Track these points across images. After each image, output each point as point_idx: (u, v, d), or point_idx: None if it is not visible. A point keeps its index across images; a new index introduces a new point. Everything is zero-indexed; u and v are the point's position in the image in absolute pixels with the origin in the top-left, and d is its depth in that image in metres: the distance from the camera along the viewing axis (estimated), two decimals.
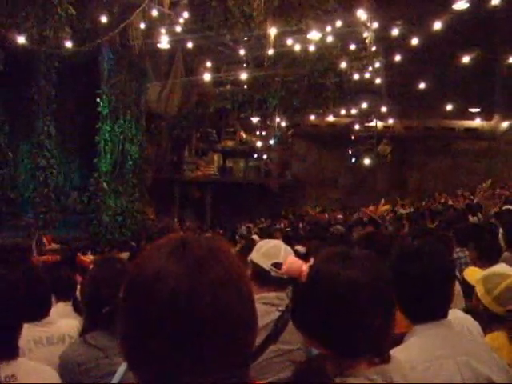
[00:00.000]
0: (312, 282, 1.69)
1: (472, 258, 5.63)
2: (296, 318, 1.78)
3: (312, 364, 1.82)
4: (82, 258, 5.46)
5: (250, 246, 5.41)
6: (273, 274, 3.13)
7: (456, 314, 2.81)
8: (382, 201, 13.35)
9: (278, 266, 3.14)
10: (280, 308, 3.09)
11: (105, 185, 21.29)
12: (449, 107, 25.63)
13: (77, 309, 4.42)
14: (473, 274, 3.45)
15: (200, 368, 1.09)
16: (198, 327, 1.08)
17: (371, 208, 13.19)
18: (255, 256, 3.25)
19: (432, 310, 2.27)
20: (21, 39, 14.17)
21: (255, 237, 12.19)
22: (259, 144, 27.22)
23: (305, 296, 1.71)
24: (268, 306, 3.06)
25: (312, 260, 1.76)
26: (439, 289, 2.30)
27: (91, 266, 3.62)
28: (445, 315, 2.29)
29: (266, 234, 11.67)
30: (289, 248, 3.40)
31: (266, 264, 3.16)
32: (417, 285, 2.26)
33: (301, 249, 8.01)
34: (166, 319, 1.08)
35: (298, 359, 3.03)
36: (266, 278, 3.09)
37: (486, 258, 5.19)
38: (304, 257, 4.01)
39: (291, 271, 1.75)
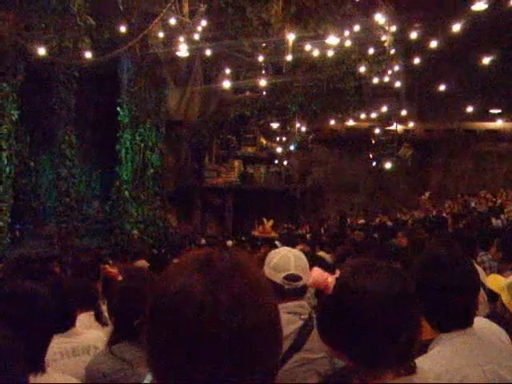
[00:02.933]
0: (338, 295, 1.69)
1: (496, 259, 5.58)
2: (322, 329, 1.77)
3: (338, 376, 1.81)
4: (110, 269, 5.46)
5: None
6: (286, 287, 3.10)
7: (482, 322, 2.77)
8: (265, 220, 13.85)
9: (290, 277, 3.13)
10: (303, 316, 3.07)
11: (126, 193, 21.43)
12: (469, 109, 25.47)
13: (99, 319, 4.44)
14: (495, 281, 3.40)
15: (226, 381, 1.10)
16: (223, 342, 1.09)
17: (260, 229, 13.55)
18: (267, 270, 3.17)
19: (456, 319, 2.23)
20: (41, 51, 14.29)
21: (277, 243, 12.19)
22: (279, 150, 27.23)
23: (331, 308, 1.70)
24: (291, 315, 3.04)
25: (338, 272, 1.76)
26: (463, 298, 2.26)
27: (119, 278, 3.63)
28: (470, 324, 2.26)
29: (287, 240, 11.66)
30: (297, 253, 3.31)
31: (278, 278, 3.10)
32: (440, 294, 2.23)
33: (326, 256, 7.98)
34: (191, 335, 1.09)
35: (322, 368, 3.01)
36: (280, 292, 3.02)
37: (509, 260, 5.14)
38: (330, 267, 3.94)
39: (317, 284, 1.75)
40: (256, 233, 13.45)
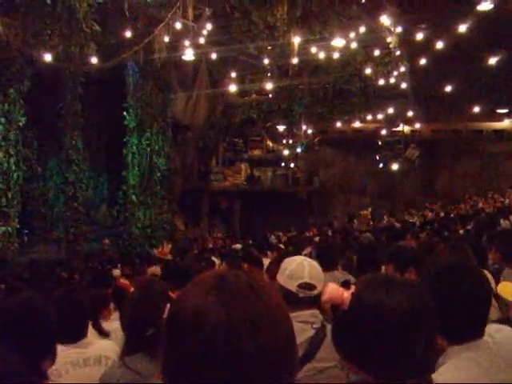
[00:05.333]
0: (355, 310, 1.69)
1: (494, 260, 5.53)
2: (339, 344, 1.77)
3: None
4: (122, 281, 5.50)
5: (282, 258, 5.35)
6: (301, 295, 3.13)
7: (498, 328, 2.70)
8: (165, 243, 15.55)
9: (304, 285, 3.14)
10: (314, 326, 3.07)
11: (133, 197, 21.48)
12: (476, 109, 25.41)
13: (95, 327, 4.37)
14: (506, 289, 3.36)
15: None
16: (237, 361, 1.10)
17: (160, 250, 15.25)
18: (281, 279, 3.22)
19: (466, 331, 2.21)
20: (47, 57, 14.33)
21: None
22: (286, 152, 27.19)
23: (347, 323, 1.70)
24: (303, 324, 3.05)
25: (353, 287, 1.75)
26: (473, 309, 2.23)
27: (131, 290, 3.63)
28: (480, 335, 2.24)
29: (295, 244, 11.68)
30: (312, 262, 3.36)
31: (293, 286, 3.14)
32: (449, 306, 2.19)
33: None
34: (205, 354, 1.10)
35: (334, 377, 3.01)
36: (294, 300, 3.07)
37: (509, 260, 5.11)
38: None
39: (333, 299, 1.74)
40: (156, 253, 14.75)
